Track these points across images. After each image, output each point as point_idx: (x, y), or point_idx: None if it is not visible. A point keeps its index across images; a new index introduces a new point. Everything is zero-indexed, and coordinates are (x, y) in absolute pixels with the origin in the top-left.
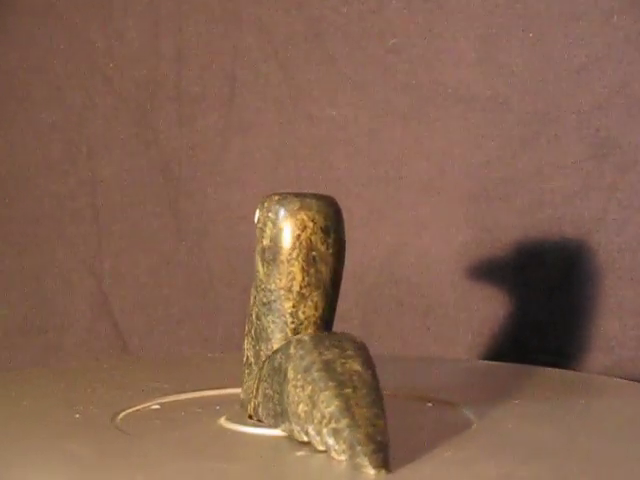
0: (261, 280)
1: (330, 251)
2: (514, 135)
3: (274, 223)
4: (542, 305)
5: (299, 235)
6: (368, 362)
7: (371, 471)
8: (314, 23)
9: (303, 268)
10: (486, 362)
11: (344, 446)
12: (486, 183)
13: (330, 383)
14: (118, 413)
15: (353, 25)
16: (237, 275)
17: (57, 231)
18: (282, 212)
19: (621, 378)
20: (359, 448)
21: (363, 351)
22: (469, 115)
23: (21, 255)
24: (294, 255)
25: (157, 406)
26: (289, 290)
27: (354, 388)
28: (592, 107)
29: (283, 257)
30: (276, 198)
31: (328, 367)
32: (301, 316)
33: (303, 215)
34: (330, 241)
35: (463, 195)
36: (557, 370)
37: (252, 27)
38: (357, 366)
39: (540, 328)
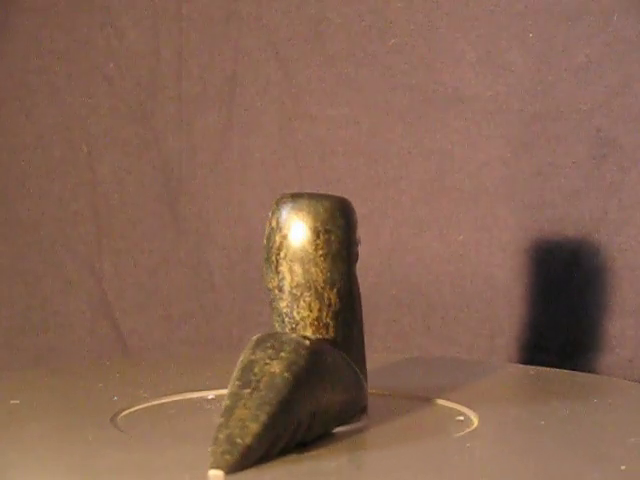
0: (264, 279)
1: (319, 252)
2: (514, 135)
3: (269, 222)
4: (542, 305)
5: (286, 235)
6: (296, 367)
7: (209, 471)
8: (314, 23)
9: (291, 268)
10: (486, 362)
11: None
12: (486, 183)
13: (236, 382)
14: (118, 413)
15: (353, 25)
16: (237, 275)
17: (57, 231)
18: (276, 212)
19: (621, 378)
20: (212, 447)
21: (301, 356)
22: (469, 115)
23: (21, 255)
24: (282, 255)
25: (212, 395)
26: (281, 290)
27: (255, 389)
28: (592, 107)
29: (273, 257)
30: (277, 198)
31: (247, 367)
32: (296, 316)
33: (293, 215)
34: (319, 242)
35: (463, 195)
36: (557, 370)
37: (252, 27)
38: (277, 368)
39: (540, 328)
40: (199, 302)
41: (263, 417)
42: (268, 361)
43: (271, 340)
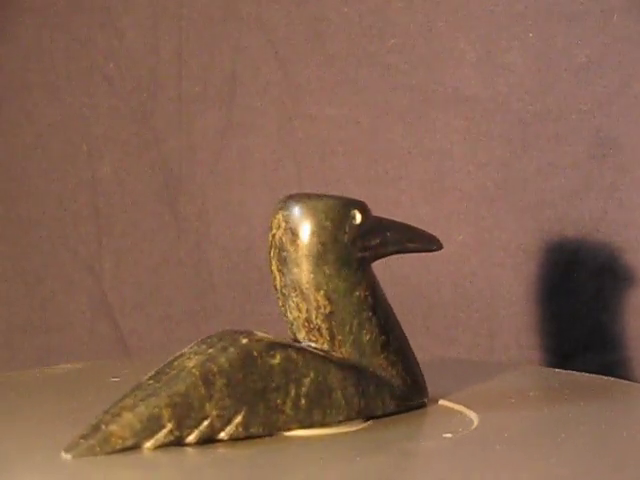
0: None
1: (300, 253)
2: (514, 135)
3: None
4: (542, 305)
5: (274, 234)
6: (211, 363)
7: (61, 453)
8: (314, 23)
9: (278, 268)
10: (486, 362)
11: None
12: (486, 183)
13: (150, 373)
14: None
15: (353, 25)
16: (237, 275)
17: (57, 231)
18: (273, 212)
19: (621, 378)
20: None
21: (226, 353)
22: (469, 115)
23: (22, 255)
24: (272, 254)
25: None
26: (276, 289)
27: (156, 381)
28: (592, 107)
29: (268, 256)
30: (280, 197)
31: (173, 359)
32: (289, 316)
33: (280, 215)
34: (300, 243)
35: (463, 195)
36: (557, 370)
37: (252, 27)
38: (192, 363)
39: (540, 328)
40: (199, 302)
41: (141, 408)
42: (192, 356)
43: (216, 336)
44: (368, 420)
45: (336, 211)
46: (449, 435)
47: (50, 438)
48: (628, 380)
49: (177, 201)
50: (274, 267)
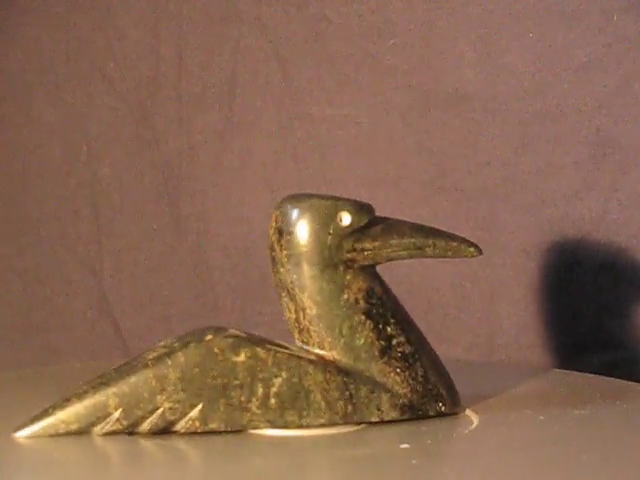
0: None
1: (284, 253)
2: (514, 135)
3: None
4: (542, 305)
5: (269, 234)
6: (167, 357)
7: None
8: (314, 23)
9: (271, 267)
10: (486, 362)
11: None
12: (486, 183)
13: (119, 365)
14: None
15: (353, 25)
16: (237, 275)
17: (57, 231)
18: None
19: (621, 378)
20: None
21: (186, 348)
22: (469, 115)
23: (21, 255)
24: (268, 253)
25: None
26: (273, 288)
27: (117, 372)
28: (592, 107)
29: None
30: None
31: (145, 352)
32: (285, 316)
33: (273, 214)
34: (284, 242)
35: (463, 195)
36: (557, 370)
37: (252, 27)
38: (152, 355)
39: (540, 328)
40: (199, 302)
41: (88, 395)
42: (159, 349)
43: (190, 332)
44: (360, 425)
45: (322, 212)
46: (406, 446)
47: (17, 422)
48: (628, 380)
49: (177, 201)
50: (270, 267)
